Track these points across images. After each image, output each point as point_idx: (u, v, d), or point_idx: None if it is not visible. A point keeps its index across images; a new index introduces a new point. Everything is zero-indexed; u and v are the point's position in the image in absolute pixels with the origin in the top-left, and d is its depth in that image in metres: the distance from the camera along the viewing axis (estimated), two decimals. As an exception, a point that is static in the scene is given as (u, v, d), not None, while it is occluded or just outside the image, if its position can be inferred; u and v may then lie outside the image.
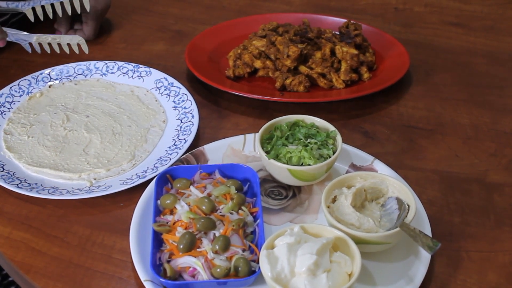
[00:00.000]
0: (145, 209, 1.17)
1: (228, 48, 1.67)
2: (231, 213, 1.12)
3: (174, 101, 1.48)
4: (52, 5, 1.58)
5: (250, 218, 1.14)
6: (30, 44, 1.54)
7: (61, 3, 1.59)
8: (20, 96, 1.50)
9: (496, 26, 1.88)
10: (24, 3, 1.56)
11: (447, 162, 1.34)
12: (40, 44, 1.55)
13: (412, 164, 1.34)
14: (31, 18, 1.56)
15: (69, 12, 1.61)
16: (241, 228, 1.10)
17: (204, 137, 1.40)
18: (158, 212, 1.15)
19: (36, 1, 1.56)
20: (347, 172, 1.28)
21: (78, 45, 1.58)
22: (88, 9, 1.62)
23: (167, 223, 1.12)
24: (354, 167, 1.28)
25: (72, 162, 1.32)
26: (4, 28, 1.44)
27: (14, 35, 1.49)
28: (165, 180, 1.21)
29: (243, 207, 1.14)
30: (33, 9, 1.56)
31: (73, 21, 1.77)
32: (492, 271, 1.11)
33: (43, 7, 1.57)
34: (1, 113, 1.45)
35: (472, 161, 1.35)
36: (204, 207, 1.11)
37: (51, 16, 1.59)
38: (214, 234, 1.08)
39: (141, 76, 1.56)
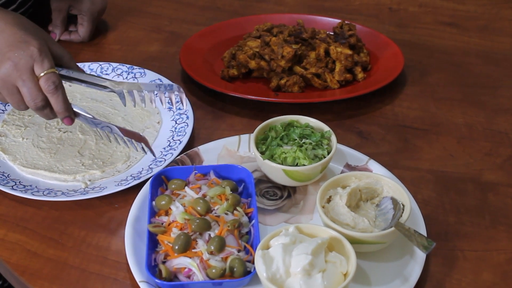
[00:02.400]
0: (140, 210, 1.17)
1: (222, 49, 1.67)
2: (226, 214, 1.12)
3: (168, 102, 1.48)
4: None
5: (245, 219, 1.14)
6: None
7: None
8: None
9: (490, 26, 1.88)
10: None
11: (442, 162, 1.35)
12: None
13: (407, 164, 1.34)
14: None
15: None
16: (236, 228, 1.10)
17: (199, 138, 1.40)
18: (153, 213, 1.15)
19: None
20: (342, 172, 1.28)
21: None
22: None
23: (162, 224, 1.12)
24: (349, 167, 1.28)
25: (67, 164, 1.31)
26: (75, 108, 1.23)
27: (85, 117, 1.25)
28: (160, 181, 1.21)
29: (238, 208, 1.14)
30: None
31: (68, 22, 1.77)
32: (487, 271, 1.11)
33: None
34: (-4, 115, 1.45)
35: (467, 160, 1.35)
36: (199, 208, 1.11)
37: None
38: (209, 234, 1.08)
39: (136, 78, 1.56)
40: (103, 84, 1.23)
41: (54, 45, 1.19)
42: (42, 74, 1.12)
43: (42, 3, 1.78)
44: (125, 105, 1.25)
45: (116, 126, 1.22)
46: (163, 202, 1.14)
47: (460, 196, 1.26)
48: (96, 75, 1.24)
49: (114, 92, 1.22)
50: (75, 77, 1.22)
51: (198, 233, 1.08)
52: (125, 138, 1.21)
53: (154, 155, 1.24)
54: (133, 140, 1.22)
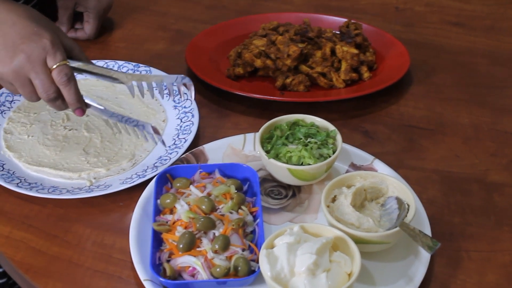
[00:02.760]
0: (145, 208, 1.17)
1: (228, 48, 1.67)
2: (231, 213, 1.12)
3: (174, 100, 1.48)
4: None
5: (249, 218, 1.14)
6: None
7: None
8: (20, 95, 1.49)
9: (497, 26, 1.88)
10: None
11: (447, 162, 1.34)
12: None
13: (412, 164, 1.33)
14: None
15: None
16: (241, 227, 1.10)
17: (204, 136, 1.40)
18: (158, 211, 1.15)
19: None
20: (347, 171, 1.27)
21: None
22: None
23: (167, 222, 1.12)
24: (354, 167, 1.28)
25: (72, 162, 1.32)
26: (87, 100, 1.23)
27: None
28: (165, 179, 1.21)
29: (242, 207, 1.14)
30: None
31: (74, 20, 1.77)
32: (492, 271, 1.11)
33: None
34: (1, 112, 1.45)
35: (472, 161, 1.35)
36: (204, 207, 1.11)
37: None
38: (214, 233, 1.08)
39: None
40: (113, 76, 1.23)
41: (65, 38, 1.20)
42: (54, 66, 1.13)
43: (48, 1, 1.78)
44: (133, 96, 1.26)
45: (127, 117, 1.23)
46: (168, 201, 1.14)
47: (465, 197, 1.26)
48: (105, 67, 1.24)
49: (124, 83, 1.23)
50: (85, 69, 1.22)
51: (202, 231, 1.08)
52: (136, 129, 1.22)
53: (164, 144, 1.26)
54: (144, 131, 1.22)
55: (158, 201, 1.16)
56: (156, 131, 1.21)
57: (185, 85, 1.24)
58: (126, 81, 1.22)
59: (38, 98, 1.18)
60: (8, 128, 1.40)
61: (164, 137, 1.32)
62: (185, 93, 1.42)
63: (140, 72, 1.56)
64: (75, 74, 1.18)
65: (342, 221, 1.08)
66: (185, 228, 1.10)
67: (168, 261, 1.07)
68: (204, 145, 1.32)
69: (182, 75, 1.25)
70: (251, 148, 1.33)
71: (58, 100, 1.17)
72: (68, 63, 1.15)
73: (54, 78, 1.14)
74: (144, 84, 1.23)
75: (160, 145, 1.34)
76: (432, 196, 1.25)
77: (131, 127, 1.22)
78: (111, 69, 1.24)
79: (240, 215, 1.12)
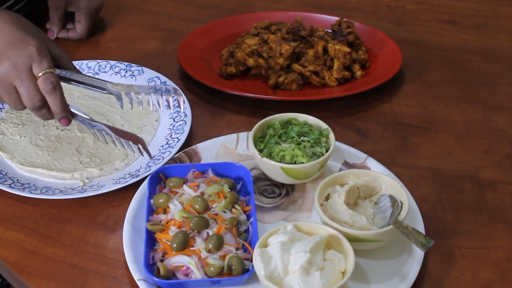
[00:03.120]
0: (138, 208, 1.17)
1: (220, 47, 1.67)
2: (224, 212, 1.12)
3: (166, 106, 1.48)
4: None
5: (243, 217, 1.14)
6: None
7: None
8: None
9: (489, 23, 1.88)
10: None
11: (440, 160, 1.34)
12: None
13: (405, 161, 1.34)
14: None
15: None
16: (235, 226, 1.10)
17: (197, 135, 1.40)
18: (151, 211, 1.15)
19: None
20: (340, 170, 1.28)
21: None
22: None
23: (160, 222, 1.12)
24: (347, 165, 1.28)
25: (64, 162, 1.31)
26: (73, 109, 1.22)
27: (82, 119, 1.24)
28: (158, 179, 1.21)
29: (236, 206, 1.14)
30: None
31: (65, 20, 1.76)
32: (485, 268, 1.11)
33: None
34: (-7, 113, 1.44)
35: (465, 158, 1.35)
36: (197, 206, 1.11)
37: None
38: (208, 233, 1.08)
39: (134, 75, 1.55)
40: (100, 86, 1.23)
41: (52, 46, 1.18)
42: (40, 74, 1.12)
43: (39, 1, 1.78)
44: (122, 108, 1.25)
45: (112, 128, 1.22)
46: (161, 200, 1.14)
47: (458, 194, 1.26)
48: (93, 76, 1.23)
49: (112, 94, 1.23)
50: (73, 78, 1.22)
51: (196, 231, 1.08)
52: (122, 140, 1.22)
53: (150, 156, 1.25)
54: (130, 142, 1.21)
55: (151, 200, 1.16)
56: (142, 144, 1.22)
57: (174, 96, 1.26)
58: (113, 91, 1.23)
59: (24, 107, 1.16)
60: (0, 128, 1.40)
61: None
62: (176, 105, 1.43)
63: (132, 72, 1.55)
64: (61, 83, 1.17)
65: (335, 220, 1.08)
66: (179, 227, 1.10)
67: (161, 260, 1.07)
68: (197, 145, 1.32)
69: (171, 87, 1.25)
70: (244, 147, 1.33)
71: (43, 108, 1.16)
72: (54, 71, 1.14)
73: (39, 86, 1.13)
74: (133, 94, 1.23)
75: (153, 145, 1.34)
76: (425, 193, 1.26)
77: (117, 139, 1.23)
78: (99, 78, 1.24)
79: (233, 214, 1.12)
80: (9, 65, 1.10)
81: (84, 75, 1.22)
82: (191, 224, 1.08)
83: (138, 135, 1.22)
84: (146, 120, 1.43)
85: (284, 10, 1.90)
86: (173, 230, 1.09)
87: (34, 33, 1.15)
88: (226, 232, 1.08)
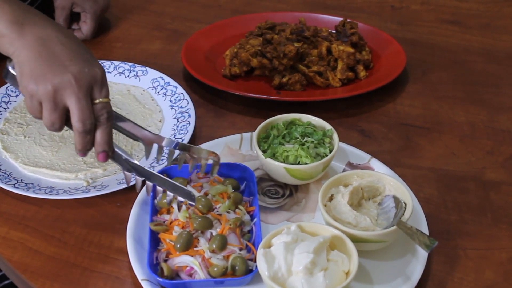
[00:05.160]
0: (142, 208, 1.17)
1: (224, 47, 1.67)
2: (228, 212, 1.12)
3: (170, 101, 1.48)
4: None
5: (247, 217, 1.14)
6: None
7: None
8: (17, 96, 1.49)
9: (493, 24, 1.88)
10: None
11: (443, 160, 1.34)
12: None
13: (409, 162, 1.34)
14: None
15: None
16: (238, 227, 1.10)
17: (201, 136, 1.40)
18: (155, 211, 1.15)
19: None
20: (344, 170, 1.28)
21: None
22: None
23: (164, 222, 1.12)
24: (351, 166, 1.28)
25: (68, 162, 1.31)
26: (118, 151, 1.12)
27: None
28: (162, 179, 1.21)
29: (240, 206, 1.14)
30: None
31: (71, 20, 1.76)
32: (489, 269, 1.11)
33: None
34: (-2, 113, 1.45)
35: (468, 159, 1.35)
36: (201, 206, 1.11)
37: None
38: (211, 233, 1.08)
39: (138, 76, 1.56)
40: (137, 134, 1.13)
41: None
42: (98, 100, 1.04)
43: (44, 1, 1.78)
44: (146, 159, 1.16)
45: (163, 179, 1.11)
46: (165, 201, 1.14)
47: (462, 195, 1.26)
48: (134, 123, 1.14)
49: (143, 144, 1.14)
50: (116, 120, 1.12)
51: (200, 231, 1.08)
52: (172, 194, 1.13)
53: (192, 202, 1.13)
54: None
55: (155, 201, 1.16)
56: (191, 198, 1.12)
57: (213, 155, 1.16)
58: (147, 143, 1.13)
59: (61, 128, 1.06)
60: (4, 128, 1.40)
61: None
62: (182, 93, 1.42)
63: (136, 73, 1.55)
64: None
65: (339, 220, 1.08)
66: (182, 227, 1.10)
67: (165, 260, 1.07)
68: (201, 145, 1.32)
69: (210, 151, 1.16)
70: (247, 148, 1.33)
71: (90, 134, 1.05)
72: (110, 101, 1.06)
73: (95, 112, 1.04)
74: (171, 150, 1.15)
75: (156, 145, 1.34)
76: (429, 194, 1.25)
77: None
78: (139, 126, 1.14)
79: (237, 214, 1.12)
80: (71, 79, 1.01)
81: (125, 118, 1.14)
82: (195, 225, 1.08)
83: (191, 192, 1.12)
84: (150, 121, 1.43)
85: (288, 10, 1.90)
86: (176, 230, 1.09)
87: (94, 57, 1.08)
88: (229, 232, 1.08)
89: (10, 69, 1.06)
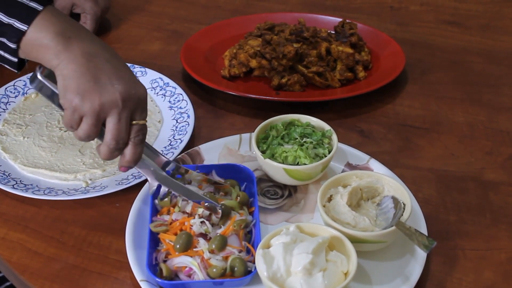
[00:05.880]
0: (141, 209, 1.17)
1: (223, 48, 1.67)
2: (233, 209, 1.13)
3: (169, 101, 1.48)
4: None
5: (249, 218, 1.13)
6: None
7: None
8: (16, 96, 1.49)
9: (492, 25, 1.88)
10: None
11: (443, 161, 1.34)
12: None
13: (408, 163, 1.34)
14: None
15: None
16: (242, 229, 1.09)
17: (200, 137, 1.40)
18: (154, 212, 1.15)
19: None
20: (343, 171, 1.28)
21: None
22: None
23: (164, 222, 1.12)
24: (350, 166, 1.28)
25: (67, 163, 1.31)
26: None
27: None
28: (161, 180, 1.21)
29: (244, 207, 1.14)
30: None
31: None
32: (488, 270, 1.11)
33: None
34: (-3, 114, 1.45)
35: (468, 159, 1.35)
36: (214, 246, 1.07)
37: None
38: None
39: (137, 76, 1.55)
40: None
41: None
42: (137, 122, 1.04)
43: (45, 2, 1.78)
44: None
45: (190, 191, 1.12)
46: (166, 199, 1.14)
47: (461, 195, 1.26)
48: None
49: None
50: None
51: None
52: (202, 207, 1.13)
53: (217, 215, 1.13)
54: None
55: (156, 201, 1.16)
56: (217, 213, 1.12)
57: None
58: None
59: (92, 139, 1.05)
60: (3, 129, 1.40)
61: (155, 145, 1.31)
62: (181, 94, 1.42)
63: (136, 73, 1.55)
64: None
65: (338, 221, 1.08)
66: (181, 230, 1.10)
67: (164, 261, 1.07)
68: (200, 146, 1.32)
69: (204, 177, 1.18)
70: (246, 148, 1.33)
71: (119, 151, 1.05)
72: (146, 123, 1.07)
73: (131, 132, 1.04)
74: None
75: (156, 146, 1.34)
76: (428, 195, 1.25)
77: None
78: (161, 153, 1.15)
79: (241, 215, 1.12)
80: (118, 100, 1.00)
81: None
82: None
83: (216, 205, 1.11)
84: (149, 121, 1.43)
85: (287, 11, 1.90)
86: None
87: (135, 76, 1.08)
88: (232, 233, 1.08)
89: (39, 76, 1.03)
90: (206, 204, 1.10)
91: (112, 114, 1.01)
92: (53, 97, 1.03)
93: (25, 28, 1.00)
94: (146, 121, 1.06)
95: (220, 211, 1.10)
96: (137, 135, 1.05)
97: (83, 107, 1.00)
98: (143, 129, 1.06)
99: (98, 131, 1.03)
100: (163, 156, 1.13)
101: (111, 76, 1.01)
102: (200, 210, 1.11)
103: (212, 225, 1.09)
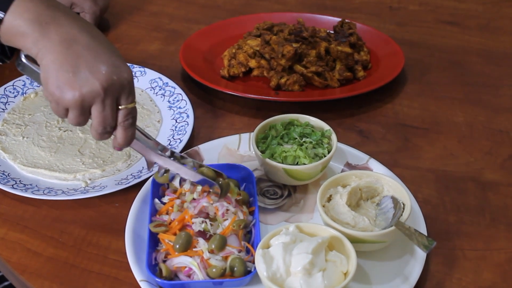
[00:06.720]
0: (141, 209, 1.17)
1: (222, 48, 1.67)
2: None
3: (169, 101, 1.48)
4: None
5: (249, 218, 1.13)
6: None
7: None
8: (15, 96, 1.49)
9: (491, 25, 1.88)
10: None
11: (442, 161, 1.34)
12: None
13: (407, 163, 1.34)
14: None
15: None
16: (242, 229, 1.09)
17: (199, 136, 1.40)
18: (154, 212, 1.15)
19: None
20: (342, 171, 1.28)
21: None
22: None
23: (163, 222, 1.12)
24: (349, 166, 1.28)
25: (67, 163, 1.31)
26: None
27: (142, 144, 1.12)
28: (160, 180, 1.21)
29: (244, 206, 1.14)
30: None
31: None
32: (487, 270, 1.11)
33: None
34: (-4, 114, 1.45)
35: (467, 159, 1.35)
36: (213, 246, 1.07)
37: None
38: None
39: (136, 76, 1.55)
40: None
41: None
42: (123, 106, 1.03)
43: None
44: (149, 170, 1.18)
45: (189, 171, 1.13)
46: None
47: (460, 195, 1.26)
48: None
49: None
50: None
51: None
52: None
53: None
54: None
55: (156, 200, 1.16)
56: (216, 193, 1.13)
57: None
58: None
59: (85, 124, 1.05)
60: (2, 129, 1.40)
61: (159, 137, 1.32)
62: (180, 94, 1.42)
63: (135, 73, 1.55)
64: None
65: (337, 221, 1.08)
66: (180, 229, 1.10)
67: (164, 261, 1.07)
68: (199, 146, 1.32)
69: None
70: (246, 148, 1.33)
71: (108, 134, 1.05)
72: (135, 105, 1.05)
73: (118, 117, 1.03)
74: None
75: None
76: (427, 195, 1.25)
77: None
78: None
79: (238, 196, 1.13)
80: (98, 89, 0.98)
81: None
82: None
83: (215, 184, 1.12)
84: (149, 121, 1.43)
85: (286, 11, 1.90)
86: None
87: (122, 57, 1.04)
88: (231, 233, 1.08)
89: (23, 59, 1.02)
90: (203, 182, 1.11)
91: (95, 103, 1.00)
92: (39, 79, 1.02)
93: (2, 16, 0.97)
94: (135, 103, 1.05)
95: (218, 187, 1.10)
96: (126, 119, 1.04)
97: (64, 100, 0.99)
98: (132, 112, 1.04)
99: (87, 119, 1.03)
100: (159, 142, 1.13)
101: (91, 63, 0.98)
102: (199, 188, 1.11)
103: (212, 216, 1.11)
